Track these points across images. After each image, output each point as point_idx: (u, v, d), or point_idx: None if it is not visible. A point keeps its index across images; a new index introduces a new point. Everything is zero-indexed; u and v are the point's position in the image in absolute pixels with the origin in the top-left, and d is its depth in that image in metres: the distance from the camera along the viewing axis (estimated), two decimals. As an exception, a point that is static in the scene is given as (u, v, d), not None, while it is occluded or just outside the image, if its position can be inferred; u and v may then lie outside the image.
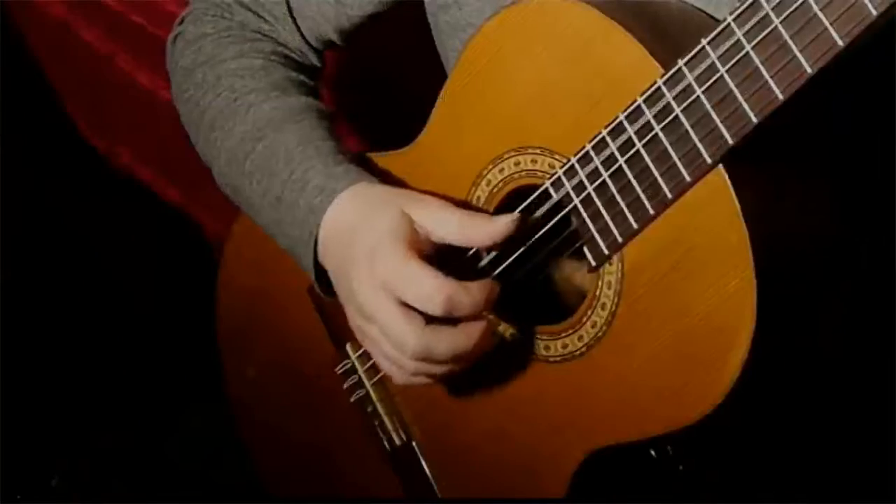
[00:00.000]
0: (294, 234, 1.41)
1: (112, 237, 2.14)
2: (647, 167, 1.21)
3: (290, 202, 1.41)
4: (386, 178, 1.42)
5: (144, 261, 2.15)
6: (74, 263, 2.11)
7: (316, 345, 1.57)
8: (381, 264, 1.29)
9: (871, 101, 1.28)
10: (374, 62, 1.97)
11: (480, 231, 1.31)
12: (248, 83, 1.50)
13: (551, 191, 1.29)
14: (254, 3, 1.56)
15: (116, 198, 2.17)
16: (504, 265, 1.35)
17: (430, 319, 1.29)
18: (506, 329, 1.36)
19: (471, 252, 1.36)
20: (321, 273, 1.41)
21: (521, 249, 1.34)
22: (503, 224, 1.30)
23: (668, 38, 1.22)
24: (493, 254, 1.35)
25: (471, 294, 1.28)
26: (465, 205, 1.36)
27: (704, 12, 1.26)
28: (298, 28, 1.55)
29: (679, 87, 1.17)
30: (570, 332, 1.31)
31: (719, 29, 1.14)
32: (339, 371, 1.54)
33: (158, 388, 2.09)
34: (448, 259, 1.32)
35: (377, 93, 2.02)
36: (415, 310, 1.29)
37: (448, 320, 1.30)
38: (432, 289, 1.27)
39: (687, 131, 1.17)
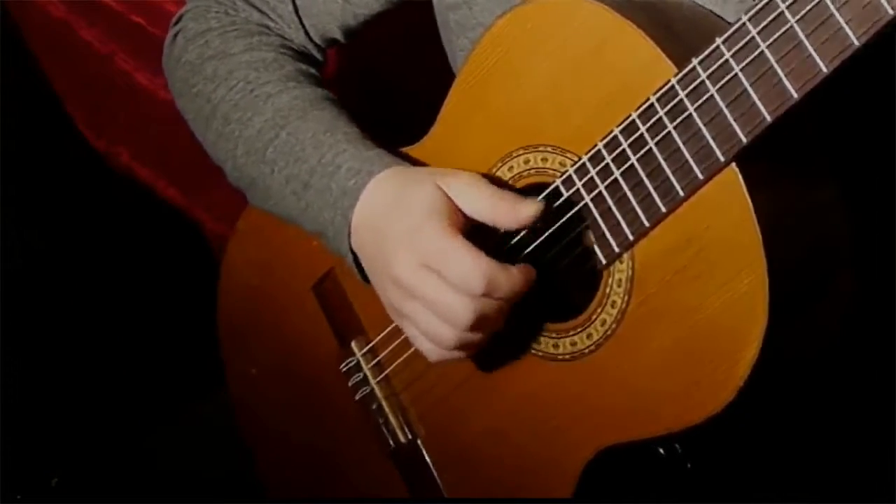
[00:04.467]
0: (324, 219, 1.41)
1: (111, 237, 2.14)
2: (660, 165, 1.21)
3: (320, 187, 1.41)
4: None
5: (144, 261, 2.14)
6: (74, 263, 2.10)
7: (319, 343, 1.57)
8: (423, 241, 1.30)
9: (881, 103, 1.29)
10: (380, 61, 1.98)
11: (508, 213, 1.31)
12: (263, 75, 1.50)
13: (562, 189, 1.30)
14: (259, 0, 1.56)
15: (116, 198, 2.17)
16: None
17: None
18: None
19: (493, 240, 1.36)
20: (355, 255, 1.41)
21: (532, 246, 1.34)
22: (530, 210, 1.30)
23: (680, 38, 1.22)
24: (516, 239, 1.36)
25: (511, 276, 1.29)
26: (496, 181, 1.35)
27: (713, 12, 1.27)
28: (303, 26, 1.55)
29: (692, 86, 1.17)
30: (580, 329, 1.32)
31: (735, 27, 1.14)
32: (343, 369, 1.54)
33: (159, 387, 2.09)
34: (479, 235, 1.32)
35: (384, 91, 2.02)
36: None
37: None
38: (474, 269, 1.27)
39: (700, 130, 1.18)
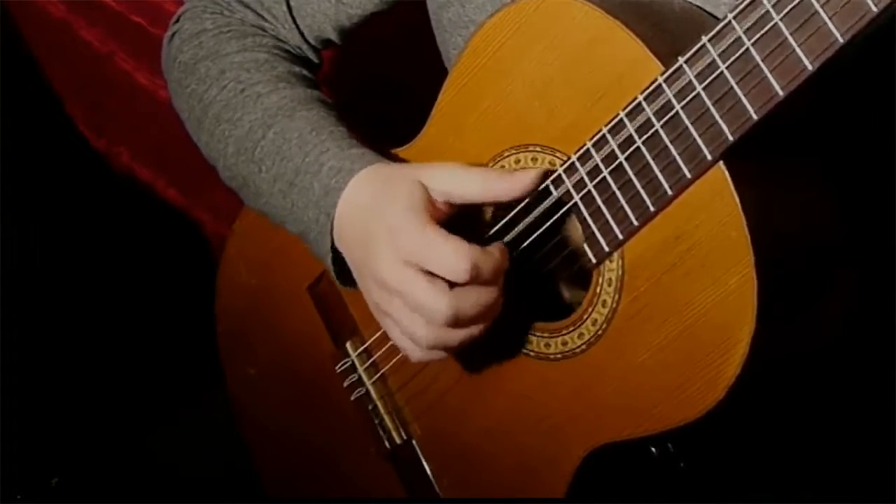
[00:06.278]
0: (308, 219, 1.41)
1: (112, 237, 2.14)
2: (648, 164, 1.21)
3: (304, 185, 1.41)
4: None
5: (144, 260, 2.15)
6: (74, 263, 2.11)
7: (315, 343, 1.57)
8: (403, 237, 1.29)
9: (871, 98, 1.28)
10: (374, 60, 1.98)
11: (506, 184, 1.30)
12: (254, 76, 1.51)
13: (552, 188, 1.30)
14: (253, 1, 1.56)
15: (116, 198, 2.17)
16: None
17: (451, 285, 1.29)
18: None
19: (482, 233, 1.36)
20: (337, 257, 1.41)
21: (523, 246, 1.34)
22: (529, 178, 1.29)
23: (668, 36, 1.22)
24: (507, 239, 1.36)
25: (493, 258, 1.29)
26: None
27: (704, 10, 1.27)
28: (297, 27, 1.56)
29: (679, 84, 1.17)
30: (571, 329, 1.31)
31: (720, 26, 1.14)
32: (339, 370, 1.54)
33: (158, 387, 2.09)
34: (461, 229, 1.31)
35: (377, 91, 2.02)
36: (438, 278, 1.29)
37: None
38: (458, 257, 1.27)
39: (687, 128, 1.18)
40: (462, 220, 1.33)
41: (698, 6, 1.27)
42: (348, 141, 1.43)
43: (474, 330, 1.32)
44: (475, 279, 1.28)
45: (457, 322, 1.30)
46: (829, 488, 1.42)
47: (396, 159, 1.43)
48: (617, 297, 1.27)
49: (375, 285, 1.34)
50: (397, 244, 1.30)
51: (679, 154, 1.19)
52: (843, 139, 1.30)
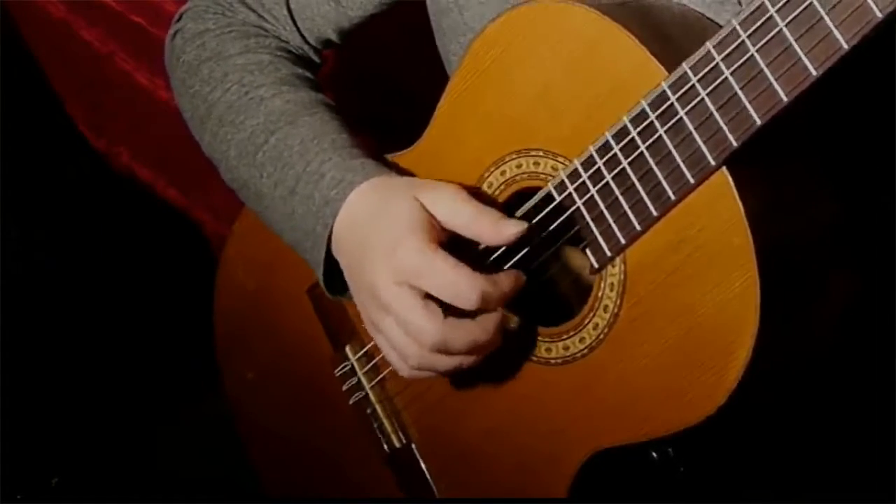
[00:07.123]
0: (306, 227, 1.41)
1: (111, 237, 2.14)
2: (651, 170, 1.21)
3: (305, 194, 1.41)
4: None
5: (144, 260, 2.14)
6: (74, 263, 2.10)
7: (315, 346, 1.57)
8: (403, 256, 1.29)
9: (872, 100, 1.28)
10: (375, 62, 1.98)
11: (491, 230, 1.30)
12: (258, 78, 1.50)
13: (554, 193, 1.29)
14: (254, 2, 1.56)
15: (116, 198, 2.17)
16: (506, 266, 1.35)
17: (448, 312, 1.29)
18: (511, 318, 1.34)
19: (479, 246, 1.35)
20: (330, 267, 1.41)
21: (524, 251, 1.34)
22: (514, 230, 1.29)
23: (670, 42, 1.22)
24: (501, 250, 1.35)
25: (500, 287, 1.29)
26: (478, 193, 1.35)
27: (706, 16, 1.27)
28: (298, 28, 1.56)
29: (683, 90, 1.17)
30: (572, 333, 1.31)
31: (724, 32, 1.14)
32: (339, 373, 1.54)
33: (157, 388, 2.09)
34: (458, 245, 1.31)
35: (378, 94, 2.02)
36: (434, 301, 1.29)
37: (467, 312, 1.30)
38: (466, 285, 1.27)
39: (691, 133, 1.18)
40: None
41: (699, 12, 1.27)
42: (350, 150, 1.42)
43: (464, 360, 1.32)
44: (483, 308, 1.28)
45: (444, 349, 1.30)
46: (829, 490, 1.42)
47: (397, 164, 1.43)
48: (619, 301, 1.27)
49: (370, 299, 1.34)
50: (394, 261, 1.29)
51: (682, 160, 1.19)
52: (844, 141, 1.30)
